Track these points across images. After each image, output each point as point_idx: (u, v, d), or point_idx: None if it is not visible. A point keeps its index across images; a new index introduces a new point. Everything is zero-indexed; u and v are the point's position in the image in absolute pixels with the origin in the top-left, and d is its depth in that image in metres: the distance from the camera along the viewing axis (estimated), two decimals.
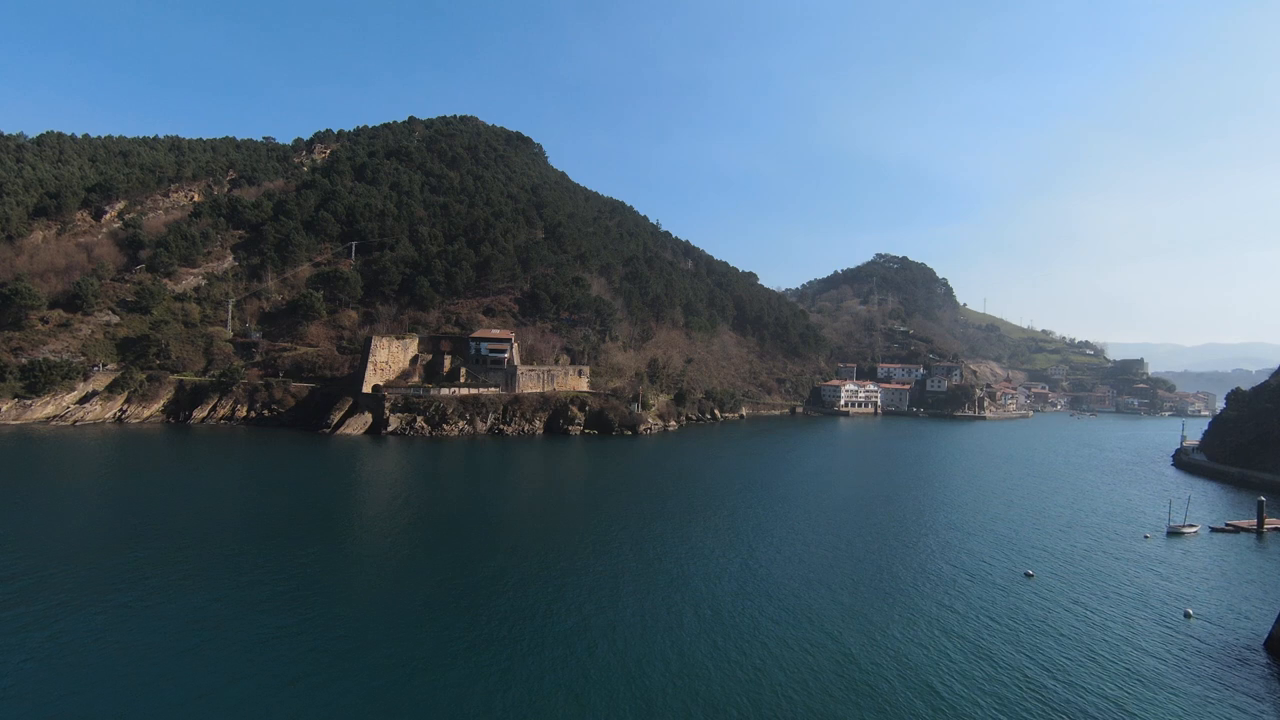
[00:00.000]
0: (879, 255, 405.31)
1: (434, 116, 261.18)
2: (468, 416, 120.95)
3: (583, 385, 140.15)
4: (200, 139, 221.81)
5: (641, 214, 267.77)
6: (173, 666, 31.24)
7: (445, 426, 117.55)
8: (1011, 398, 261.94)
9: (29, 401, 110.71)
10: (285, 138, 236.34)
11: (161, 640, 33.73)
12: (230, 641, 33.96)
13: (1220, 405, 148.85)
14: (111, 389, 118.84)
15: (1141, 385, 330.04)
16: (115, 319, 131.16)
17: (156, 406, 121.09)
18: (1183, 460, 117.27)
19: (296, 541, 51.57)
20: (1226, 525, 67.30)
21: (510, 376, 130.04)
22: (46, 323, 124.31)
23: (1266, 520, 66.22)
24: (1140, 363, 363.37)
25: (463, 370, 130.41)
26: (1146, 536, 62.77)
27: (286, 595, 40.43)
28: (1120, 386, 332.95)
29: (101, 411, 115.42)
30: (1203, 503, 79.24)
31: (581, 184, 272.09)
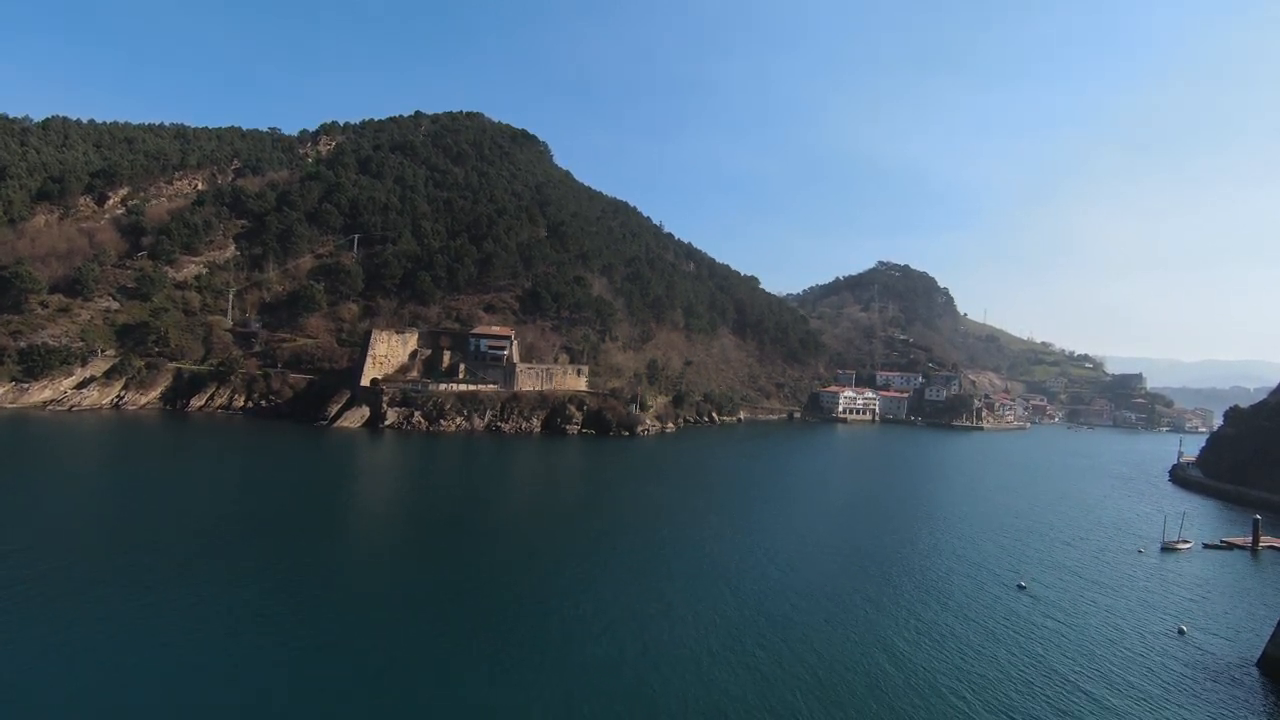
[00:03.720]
0: (881, 262, 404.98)
1: (440, 112, 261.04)
2: (465, 413, 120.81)
3: (581, 385, 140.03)
4: (205, 128, 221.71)
5: (644, 215, 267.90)
6: (162, 661, 31.12)
7: (442, 422, 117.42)
8: (1009, 409, 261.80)
9: (26, 385, 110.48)
10: (291, 129, 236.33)
11: (152, 634, 33.62)
12: (221, 635, 33.86)
13: (1218, 422, 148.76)
14: (109, 375, 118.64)
15: (1140, 400, 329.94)
16: (115, 305, 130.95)
17: (154, 394, 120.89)
18: (1179, 476, 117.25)
19: (290, 534, 51.48)
20: (1221, 542, 67.28)
21: (509, 374, 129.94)
22: (46, 307, 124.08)
23: (1261, 538, 66.20)
24: (1139, 377, 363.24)
25: (462, 366, 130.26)
26: (1140, 551, 62.74)
27: (279, 589, 40.34)
28: (1118, 400, 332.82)
29: (99, 397, 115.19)
30: (1198, 519, 79.18)
31: (585, 183, 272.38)
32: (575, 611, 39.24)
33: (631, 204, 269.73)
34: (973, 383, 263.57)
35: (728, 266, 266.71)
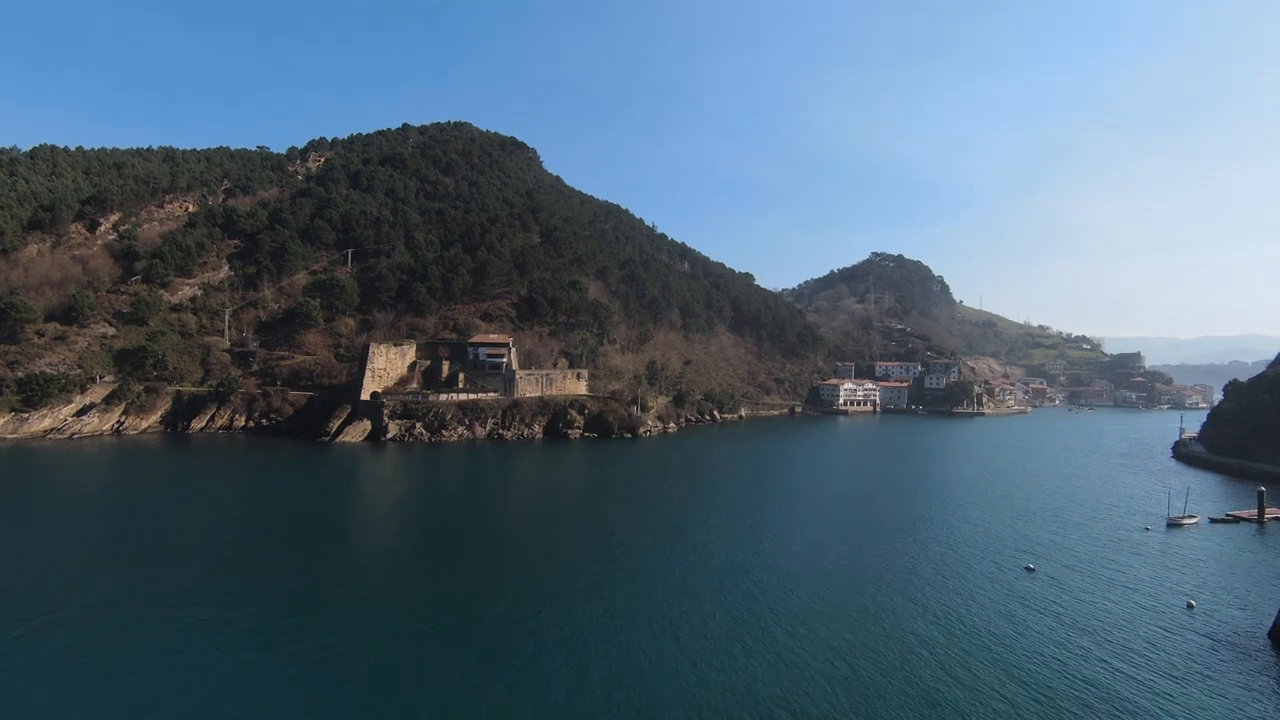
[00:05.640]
0: (875, 254, 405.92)
1: (428, 123, 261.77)
2: (467, 422, 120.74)
3: (581, 388, 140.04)
4: (194, 149, 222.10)
5: (637, 217, 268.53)
6: (171, 683, 31.09)
7: (444, 432, 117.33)
8: (1010, 393, 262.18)
9: (26, 415, 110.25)
10: (279, 147, 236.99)
11: (159, 657, 33.58)
12: (229, 656, 33.84)
13: (1218, 397, 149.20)
14: (109, 401, 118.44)
15: (1139, 379, 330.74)
16: (111, 331, 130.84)
17: (154, 417, 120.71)
18: (1182, 452, 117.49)
19: (298, 552, 51.45)
20: (1227, 516, 67.41)
21: (509, 381, 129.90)
22: (42, 336, 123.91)
23: (1267, 510, 66.33)
24: (1137, 356, 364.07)
25: (461, 376, 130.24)
26: (1147, 528, 62.85)
27: (288, 605, 40.30)
28: (1118, 380, 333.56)
29: (99, 424, 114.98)
30: (1202, 494, 79.35)
31: (577, 188, 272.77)
32: (600, 612, 39.30)
33: (624, 206, 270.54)
34: (972, 369, 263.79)
35: (722, 265, 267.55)
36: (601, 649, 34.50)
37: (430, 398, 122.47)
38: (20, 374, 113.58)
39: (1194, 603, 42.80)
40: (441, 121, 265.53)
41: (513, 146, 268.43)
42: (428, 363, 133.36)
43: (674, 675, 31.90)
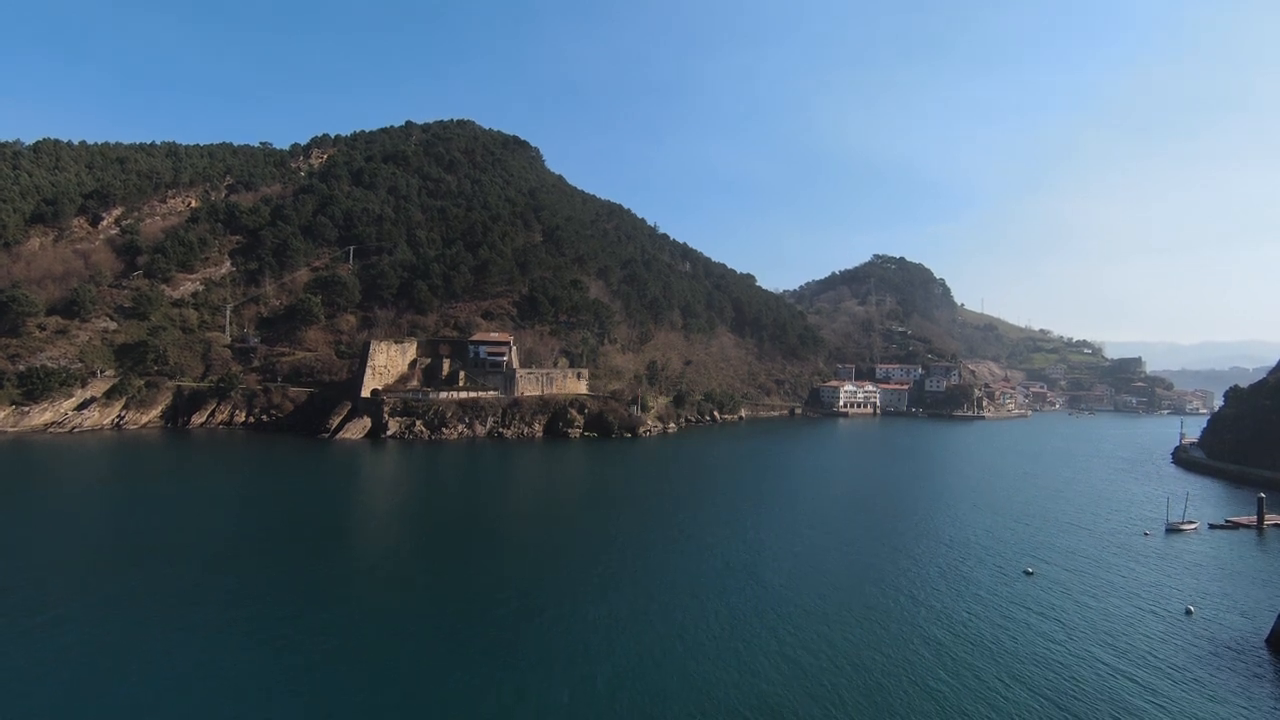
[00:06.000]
0: (876, 256, 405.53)
1: (430, 121, 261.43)
2: (467, 420, 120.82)
3: (582, 388, 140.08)
4: (197, 145, 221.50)
5: (639, 216, 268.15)
6: (171, 683, 31.12)
7: (444, 430, 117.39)
8: (1010, 397, 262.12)
9: (27, 409, 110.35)
10: (282, 143, 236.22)
11: (159, 657, 33.61)
12: (229, 655, 33.87)
13: (1218, 403, 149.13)
14: (110, 395, 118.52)
15: (1139, 384, 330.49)
16: (113, 325, 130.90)
17: (155, 412, 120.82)
18: (1182, 458, 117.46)
19: (298, 550, 51.49)
20: (1226, 522, 67.38)
21: (509, 380, 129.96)
22: (44, 329, 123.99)
23: (1266, 516, 66.31)
24: (1138, 361, 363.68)
25: (462, 374, 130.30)
26: (1146, 534, 62.84)
27: (290, 605, 40.34)
28: (1118, 385, 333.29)
29: (100, 418, 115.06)
30: (1202, 499, 79.32)
31: (579, 187, 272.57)
32: (603, 612, 39.40)
33: (625, 206, 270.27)
34: (972, 372, 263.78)
35: (724, 265, 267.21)
36: (605, 649, 34.55)
37: (431, 395, 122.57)
38: (21, 367, 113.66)
39: (1193, 609, 42.81)
40: (444, 119, 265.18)
41: (515, 145, 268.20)
42: (428, 360, 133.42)
43: (679, 675, 31.95)
